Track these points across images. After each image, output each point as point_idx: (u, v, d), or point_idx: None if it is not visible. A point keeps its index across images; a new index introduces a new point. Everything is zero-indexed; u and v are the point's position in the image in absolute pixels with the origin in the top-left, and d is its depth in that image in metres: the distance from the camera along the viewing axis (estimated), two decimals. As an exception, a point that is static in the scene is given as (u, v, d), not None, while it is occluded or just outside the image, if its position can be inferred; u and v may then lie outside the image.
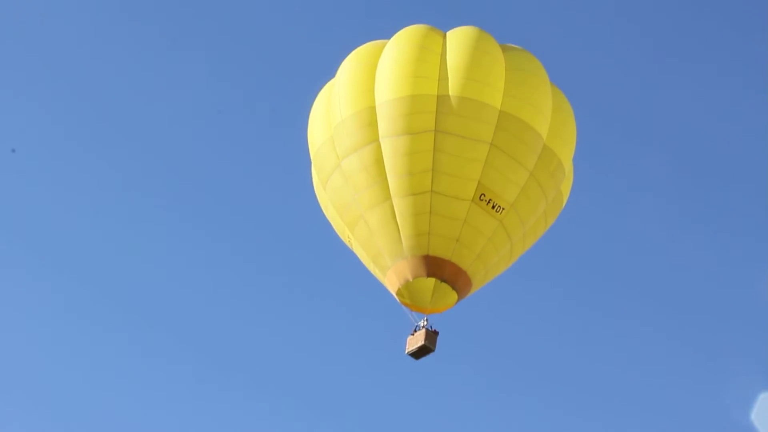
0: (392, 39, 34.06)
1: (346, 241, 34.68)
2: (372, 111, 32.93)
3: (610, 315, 67.05)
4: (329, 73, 34.99)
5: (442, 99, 32.65)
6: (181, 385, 64.77)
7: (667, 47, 69.33)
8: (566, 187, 34.92)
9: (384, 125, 32.66)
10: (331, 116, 33.79)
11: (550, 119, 33.53)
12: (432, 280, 32.68)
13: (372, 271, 34.15)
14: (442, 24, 34.47)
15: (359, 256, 34.44)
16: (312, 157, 34.76)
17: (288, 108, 68.18)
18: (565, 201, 35.12)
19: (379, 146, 32.72)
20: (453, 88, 32.70)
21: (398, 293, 33.15)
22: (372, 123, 32.85)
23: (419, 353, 33.06)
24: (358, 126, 32.96)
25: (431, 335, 33.00)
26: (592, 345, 66.35)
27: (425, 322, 33.31)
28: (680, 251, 68.47)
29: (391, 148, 32.53)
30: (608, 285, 68.01)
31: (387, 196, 32.67)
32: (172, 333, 67.02)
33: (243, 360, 66.52)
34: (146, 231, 68.90)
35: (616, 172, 68.59)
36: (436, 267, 32.63)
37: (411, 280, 32.72)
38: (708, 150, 70.66)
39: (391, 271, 33.06)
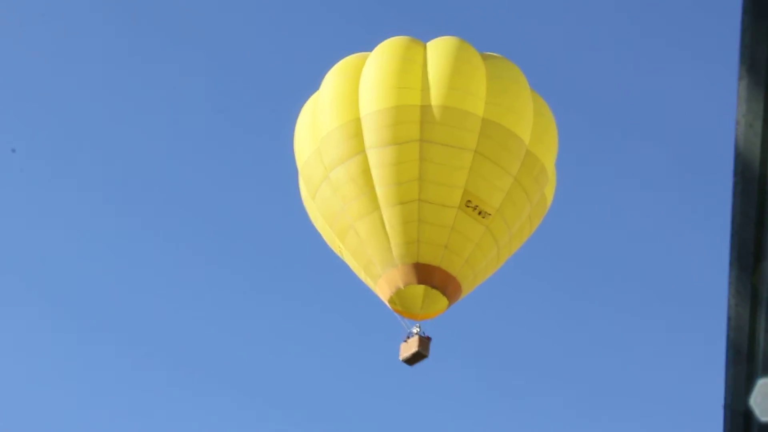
0: (374, 51, 34.04)
1: (336, 250, 34.68)
2: (357, 123, 32.92)
3: (596, 313, 67.30)
4: (314, 86, 35.00)
5: (425, 109, 32.69)
6: (174, 399, 64.71)
7: (646, 48, 69.45)
8: (549, 191, 35.00)
9: (369, 136, 32.66)
10: (317, 129, 33.76)
11: (532, 125, 33.61)
12: (422, 287, 32.71)
13: (363, 280, 34.17)
14: (421, 33, 34.51)
15: (350, 265, 34.45)
16: (300, 169, 34.73)
17: (274, 121, 68.08)
18: (549, 204, 35.20)
19: (365, 157, 32.72)
20: (436, 97, 32.74)
21: (390, 301, 33.18)
22: (358, 134, 32.85)
23: (413, 359, 33.09)
24: (344, 138, 32.94)
25: (424, 341, 33.04)
26: (582, 344, 66.57)
27: (418, 329, 33.33)
28: (662, 248, 68.73)
29: (378, 159, 32.55)
30: (594, 283, 68.36)
31: (376, 205, 32.68)
32: (167, 344, 66.95)
33: (239, 369, 66.54)
34: (141, 239, 68.77)
35: (597, 173, 68.83)
36: (426, 274, 32.66)
37: (402, 287, 32.74)
38: (687, 150, 70.89)
39: (382, 279, 33.07)
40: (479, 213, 32.72)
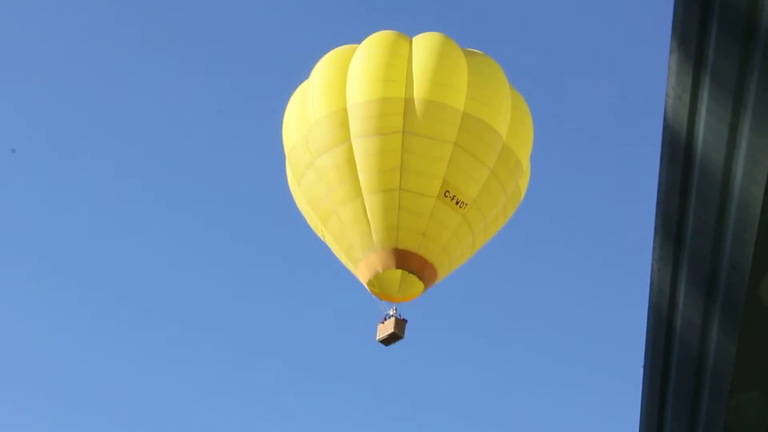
0: (362, 44, 33.95)
1: (319, 234, 34.61)
2: (344, 113, 32.84)
3: (560, 297, 67.61)
4: (303, 74, 34.93)
5: (409, 102, 32.62)
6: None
7: (627, 49, 69.57)
8: (524, 183, 34.98)
9: (355, 126, 32.58)
10: (305, 117, 33.67)
11: (509, 120, 33.57)
12: (400, 272, 32.66)
13: (344, 263, 34.10)
14: (408, 27, 34.46)
15: (332, 249, 34.39)
16: (287, 155, 34.65)
17: (264, 108, 68.13)
18: (522, 196, 35.18)
19: (350, 146, 32.64)
20: (419, 91, 32.66)
21: (369, 283, 33.13)
22: (344, 124, 32.77)
23: (389, 340, 33.09)
24: (331, 126, 32.86)
25: (400, 323, 33.03)
26: (548, 323, 66.86)
27: (394, 311, 33.31)
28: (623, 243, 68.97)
29: (362, 148, 32.47)
30: (561, 271, 68.75)
31: (358, 192, 32.61)
32: (171, 321, 67.07)
33: (227, 343, 66.65)
34: (139, 226, 68.81)
35: (569, 167, 69.10)
36: (404, 259, 32.61)
37: (381, 271, 32.68)
38: (619, 124, 71.34)
39: (362, 263, 33.01)
40: (456, 203, 32.67)
